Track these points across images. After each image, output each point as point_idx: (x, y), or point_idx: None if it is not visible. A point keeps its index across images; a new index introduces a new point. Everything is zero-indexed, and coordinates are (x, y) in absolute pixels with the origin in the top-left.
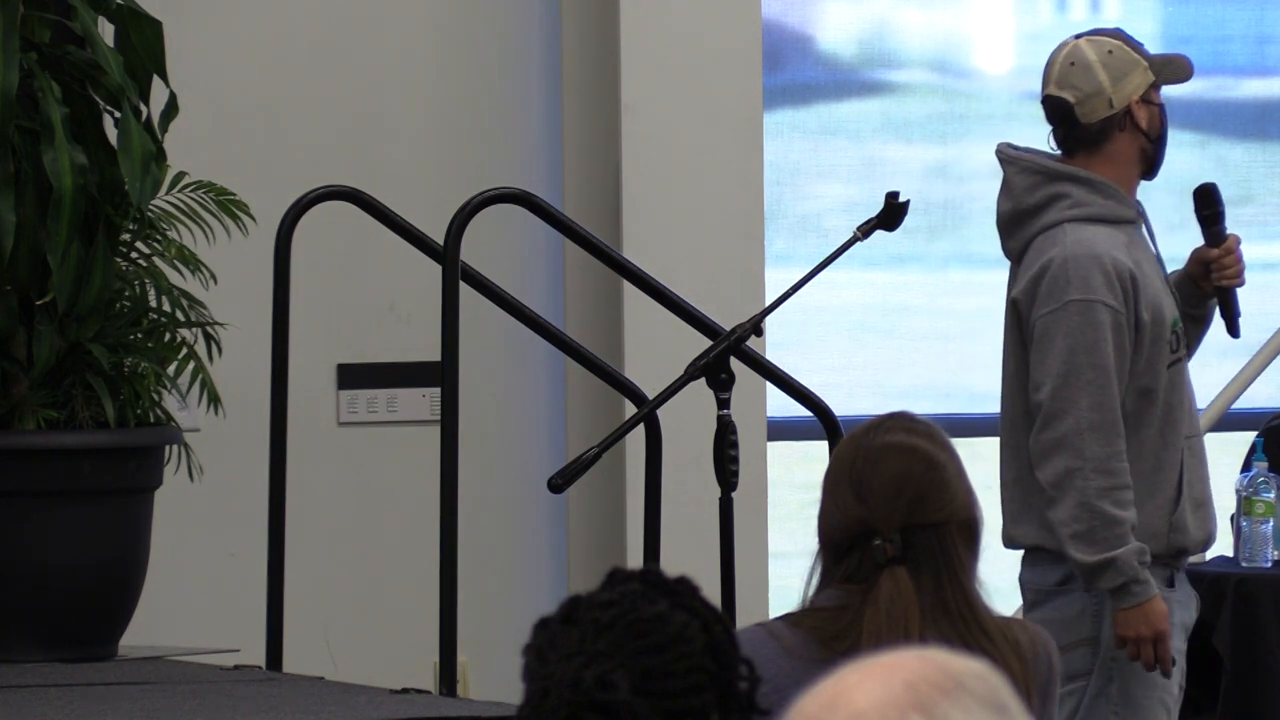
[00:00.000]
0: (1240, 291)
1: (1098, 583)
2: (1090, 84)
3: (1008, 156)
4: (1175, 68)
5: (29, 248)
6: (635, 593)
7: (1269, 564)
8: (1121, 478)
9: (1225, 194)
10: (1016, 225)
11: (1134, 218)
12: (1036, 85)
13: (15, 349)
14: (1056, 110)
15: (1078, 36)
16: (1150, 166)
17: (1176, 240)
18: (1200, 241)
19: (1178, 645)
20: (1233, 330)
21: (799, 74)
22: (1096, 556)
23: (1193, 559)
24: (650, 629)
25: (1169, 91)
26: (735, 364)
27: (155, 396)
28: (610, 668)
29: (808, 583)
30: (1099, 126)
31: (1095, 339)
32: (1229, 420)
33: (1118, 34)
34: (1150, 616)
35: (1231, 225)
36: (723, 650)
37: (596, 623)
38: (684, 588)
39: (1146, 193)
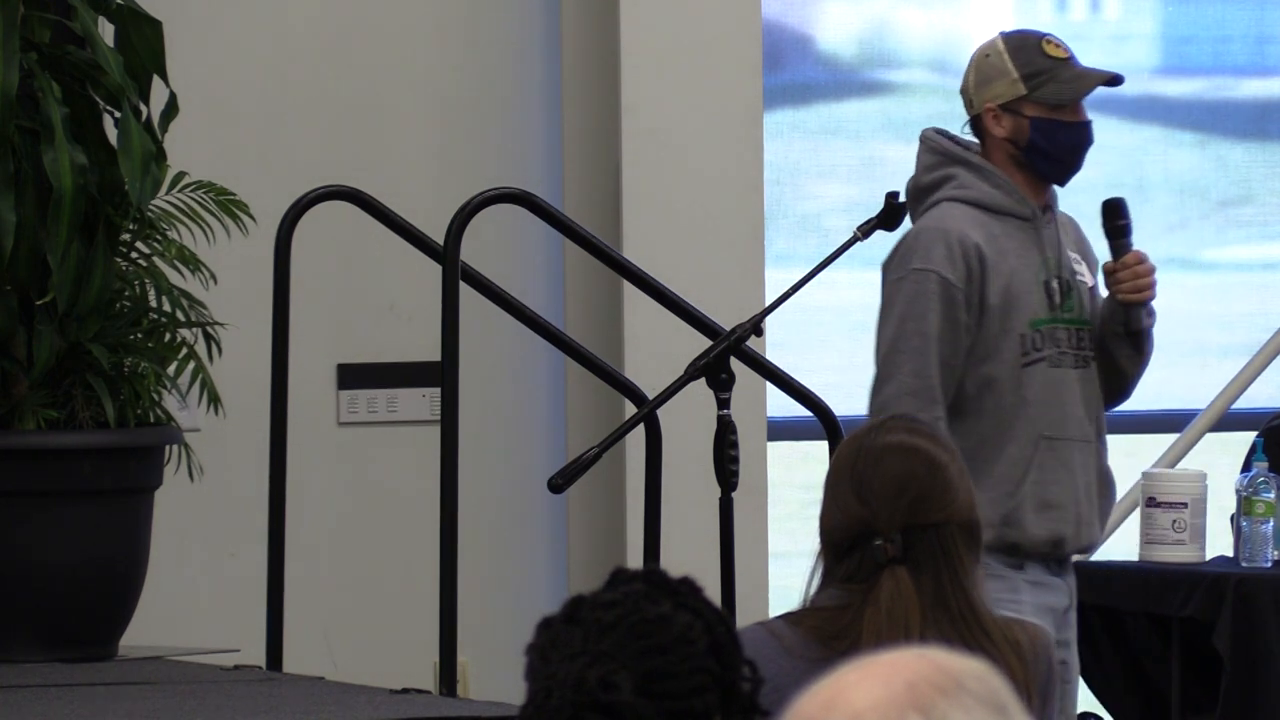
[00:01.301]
0: (1240, 291)
1: None
2: (965, 81)
3: (922, 136)
4: (1061, 89)
5: (29, 248)
6: (638, 593)
7: (1269, 564)
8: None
9: (1225, 194)
10: (915, 202)
11: (1021, 212)
12: None
13: (15, 349)
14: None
15: (1001, 32)
16: (1033, 172)
17: (1175, 240)
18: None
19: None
20: (1137, 346)
21: (799, 74)
22: None
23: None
24: (653, 630)
25: (1173, 91)
26: (735, 364)
27: (155, 396)
28: (613, 668)
29: (809, 582)
30: (973, 123)
31: (924, 308)
32: (1229, 420)
33: (1023, 39)
34: None
35: (1232, 225)
36: (725, 651)
37: (600, 623)
38: (687, 588)
39: (1146, 192)
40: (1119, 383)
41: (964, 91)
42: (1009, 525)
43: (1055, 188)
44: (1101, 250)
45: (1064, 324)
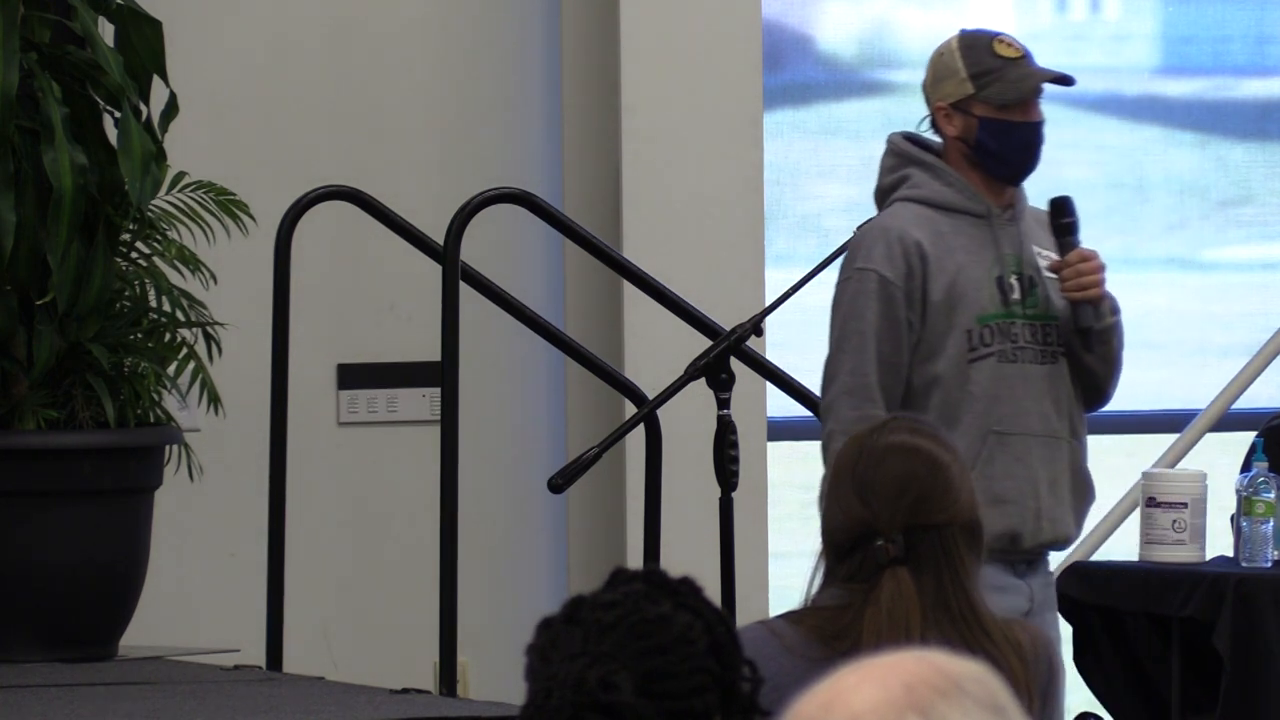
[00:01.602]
0: (1240, 291)
1: None
2: (924, 79)
3: (887, 140)
4: (1004, 89)
5: (29, 248)
6: (638, 593)
7: (1269, 564)
8: None
9: (1225, 194)
10: (879, 205)
11: (975, 210)
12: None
13: (15, 349)
14: None
15: (960, 31)
16: (985, 172)
17: (1175, 240)
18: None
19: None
20: (1085, 344)
21: (799, 74)
22: None
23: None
24: (653, 630)
25: (1173, 91)
26: (735, 364)
27: (155, 396)
28: (613, 669)
29: (810, 582)
30: (932, 120)
31: (862, 306)
32: (1229, 420)
33: (975, 39)
34: None
35: (1231, 225)
36: (726, 651)
37: (600, 623)
38: (687, 588)
39: (1146, 192)
40: (1088, 382)
41: (924, 89)
42: None
43: (1024, 186)
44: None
45: (1026, 319)
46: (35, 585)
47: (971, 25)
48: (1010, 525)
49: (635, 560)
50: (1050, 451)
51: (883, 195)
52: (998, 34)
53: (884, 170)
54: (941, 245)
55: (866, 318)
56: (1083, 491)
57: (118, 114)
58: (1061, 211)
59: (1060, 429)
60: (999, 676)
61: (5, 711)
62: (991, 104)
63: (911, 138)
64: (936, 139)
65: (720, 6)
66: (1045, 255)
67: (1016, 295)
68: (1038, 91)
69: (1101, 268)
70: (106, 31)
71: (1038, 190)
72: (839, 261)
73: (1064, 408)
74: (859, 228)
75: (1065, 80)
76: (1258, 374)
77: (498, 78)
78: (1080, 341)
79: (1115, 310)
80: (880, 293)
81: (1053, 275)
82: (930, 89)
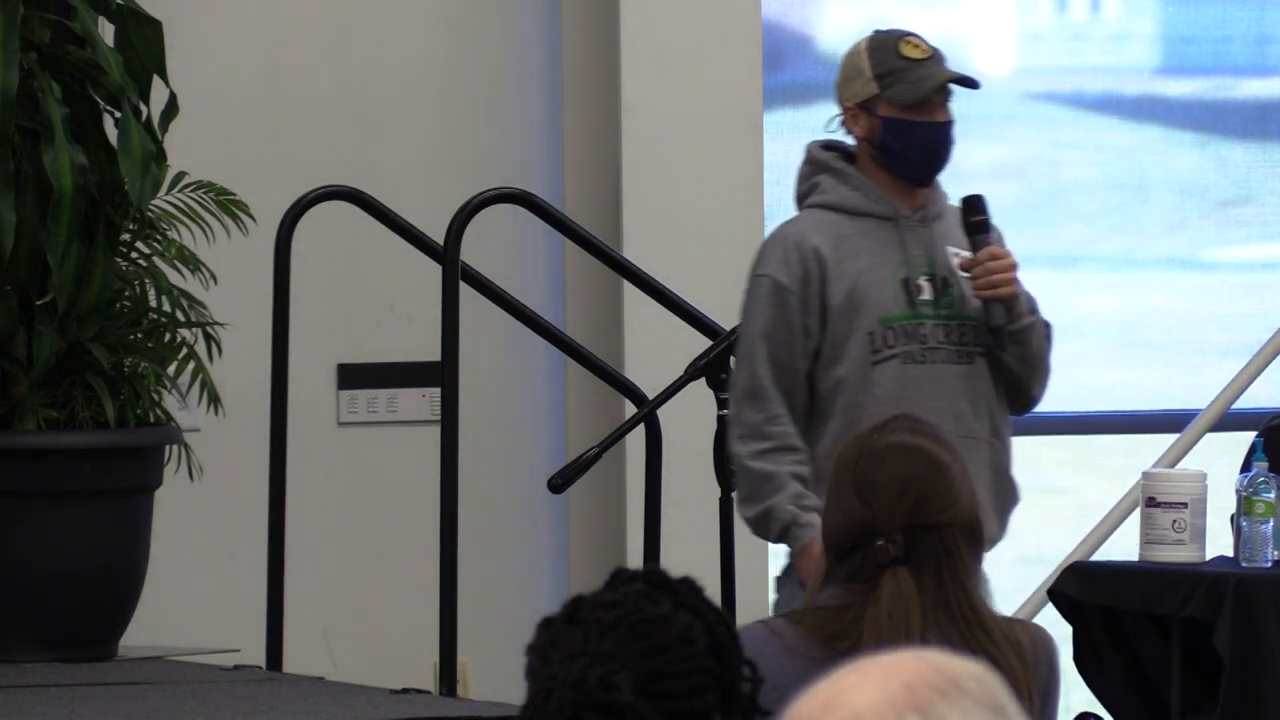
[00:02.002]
0: (1240, 291)
1: (765, 535)
2: (837, 79)
3: (805, 148)
4: (904, 89)
5: (29, 248)
6: (639, 593)
7: (1269, 564)
8: (777, 439)
9: (1225, 194)
10: (798, 212)
11: (881, 212)
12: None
13: (15, 349)
14: None
15: (874, 31)
16: (891, 172)
17: (1175, 240)
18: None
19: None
20: (997, 343)
21: (799, 74)
22: (754, 510)
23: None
24: (654, 630)
25: (1173, 91)
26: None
27: (155, 396)
28: (614, 669)
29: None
30: (840, 120)
31: (756, 312)
32: (1229, 420)
33: (883, 40)
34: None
35: (1232, 225)
36: (726, 651)
37: (600, 623)
38: (687, 588)
39: (1146, 192)
40: (1011, 382)
41: (835, 89)
42: None
43: (942, 186)
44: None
45: (938, 320)
46: (35, 585)
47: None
48: None
49: (635, 560)
50: (967, 452)
51: (798, 203)
52: (907, 34)
53: (799, 179)
54: (843, 249)
55: (758, 321)
56: (1005, 492)
57: (118, 114)
58: (972, 210)
59: (978, 429)
60: (999, 676)
61: (5, 711)
62: (894, 104)
63: (831, 145)
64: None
65: (720, 6)
66: (959, 255)
67: (927, 296)
68: (941, 91)
69: (1013, 266)
70: (106, 31)
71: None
72: None
73: (982, 408)
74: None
75: (969, 82)
76: (1258, 374)
77: (498, 78)
78: (994, 340)
79: (1033, 310)
80: (773, 297)
81: (966, 274)
82: (839, 89)
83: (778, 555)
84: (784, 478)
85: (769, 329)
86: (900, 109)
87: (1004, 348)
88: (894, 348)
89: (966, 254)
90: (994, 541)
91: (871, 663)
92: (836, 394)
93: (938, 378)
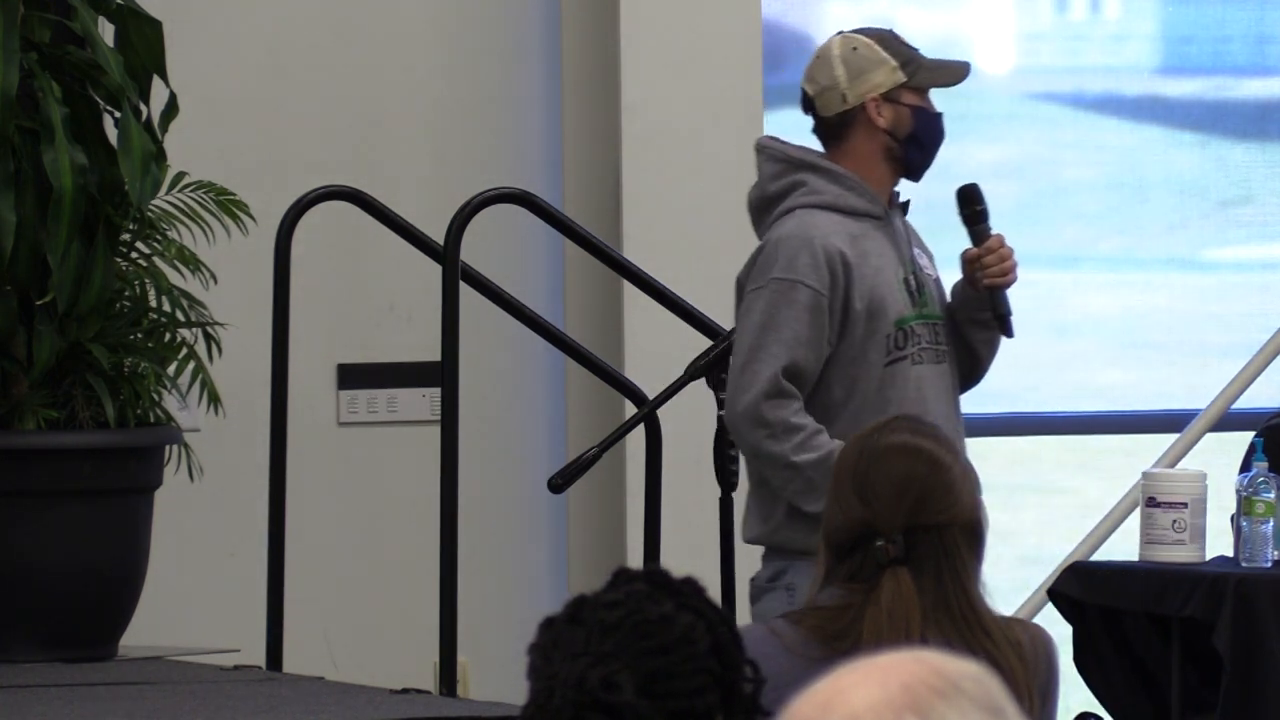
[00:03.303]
0: (1240, 291)
1: None
2: (826, 78)
3: (760, 146)
4: (936, 73)
5: (29, 248)
6: (641, 593)
7: (1269, 564)
8: (808, 427)
9: (1225, 194)
10: (763, 212)
11: (874, 211)
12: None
13: (15, 349)
14: (802, 102)
15: (840, 32)
16: (903, 166)
17: (1175, 240)
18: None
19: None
20: (1004, 330)
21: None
22: (821, 500)
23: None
24: (656, 630)
25: (1173, 91)
26: None
27: (155, 396)
28: (615, 669)
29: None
30: (836, 120)
31: (787, 316)
32: (1229, 420)
33: (880, 33)
34: None
35: (1231, 225)
36: (727, 652)
37: (602, 623)
38: (690, 588)
39: (1146, 192)
40: (975, 369)
41: (825, 90)
42: None
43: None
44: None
45: (923, 320)
46: (35, 585)
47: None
48: None
49: (635, 560)
50: None
51: (769, 203)
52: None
53: (768, 177)
54: (858, 251)
55: (792, 326)
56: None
57: (118, 114)
58: (974, 199)
59: (956, 428)
60: (998, 677)
61: (5, 711)
62: (920, 92)
63: (782, 143)
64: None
65: (720, 6)
66: (920, 254)
67: (917, 295)
68: (965, 78)
69: (1013, 251)
70: (106, 31)
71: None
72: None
73: (954, 406)
74: (768, 235)
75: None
76: (1258, 374)
77: (498, 78)
78: (1001, 327)
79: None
80: (811, 305)
81: (930, 273)
82: (849, 85)
83: None
84: (832, 455)
85: (804, 336)
86: (922, 97)
87: (1009, 333)
88: (903, 350)
89: (923, 253)
90: None
91: (869, 663)
92: (851, 396)
93: (932, 377)
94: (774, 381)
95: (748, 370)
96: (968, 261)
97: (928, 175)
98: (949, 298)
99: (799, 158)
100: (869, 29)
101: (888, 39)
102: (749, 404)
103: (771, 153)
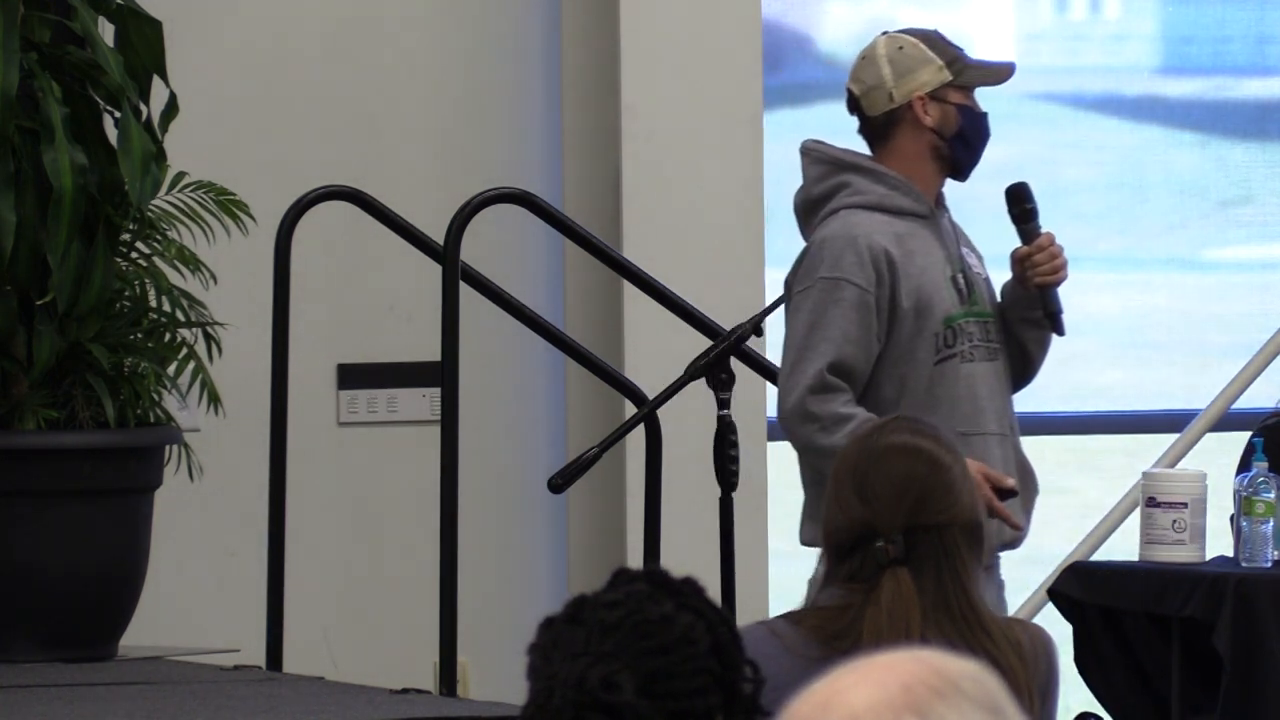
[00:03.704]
0: (1240, 291)
1: None
2: (872, 78)
3: (804, 148)
4: (982, 72)
5: (29, 248)
6: (641, 593)
7: (1269, 564)
8: (858, 414)
9: (1225, 194)
10: (808, 215)
11: (920, 211)
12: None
13: (15, 349)
14: (848, 102)
15: (884, 33)
16: (950, 165)
17: (1175, 240)
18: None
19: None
20: (1056, 328)
21: (799, 74)
22: None
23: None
24: (656, 630)
25: (1173, 91)
26: (735, 364)
27: (155, 396)
28: (616, 669)
29: (813, 582)
30: (882, 120)
31: (835, 314)
32: (1229, 420)
33: (925, 33)
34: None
35: (1231, 225)
36: (728, 652)
37: (602, 623)
38: (690, 589)
39: (1146, 192)
40: (1027, 368)
41: (872, 89)
42: None
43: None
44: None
45: (973, 318)
46: (35, 585)
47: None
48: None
49: (635, 560)
50: (1005, 450)
51: (815, 205)
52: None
53: (813, 179)
54: (903, 250)
55: (839, 324)
56: (1029, 484)
57: (118, 114)
58: (1023, 198)
59: (1009, 425)
60: (997, 677)
61: (5, 711)
62: (966, 90)
63: (827, 145)
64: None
65: (720, 6)
66: (969, 253)
67: (966, 293)
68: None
69: (1063, 249)
70: (106, 31)
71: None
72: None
73: (1007, 404)
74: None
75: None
76: (1258, 374)
77: (498, 78)
78: (1053, 326)
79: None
80: (857, 302)
81: (979, 272)
82: (896, 84)
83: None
84: None
85: (851, 333)
86: (968, 96)
87: (1060, 331)
88: (952, 348)
89: (971, 252)
90: (1020, 542)
91: (869, 663)
92: (901, 395)
93: (985, 375)
94: (819, 377)
95: (795, 370)
96: (1017, 260)
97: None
98: (999, 297)
99: (843, 159)
100: (914, 29)
101: (933, 38)
102: (795, 402)
103: (816, 155)
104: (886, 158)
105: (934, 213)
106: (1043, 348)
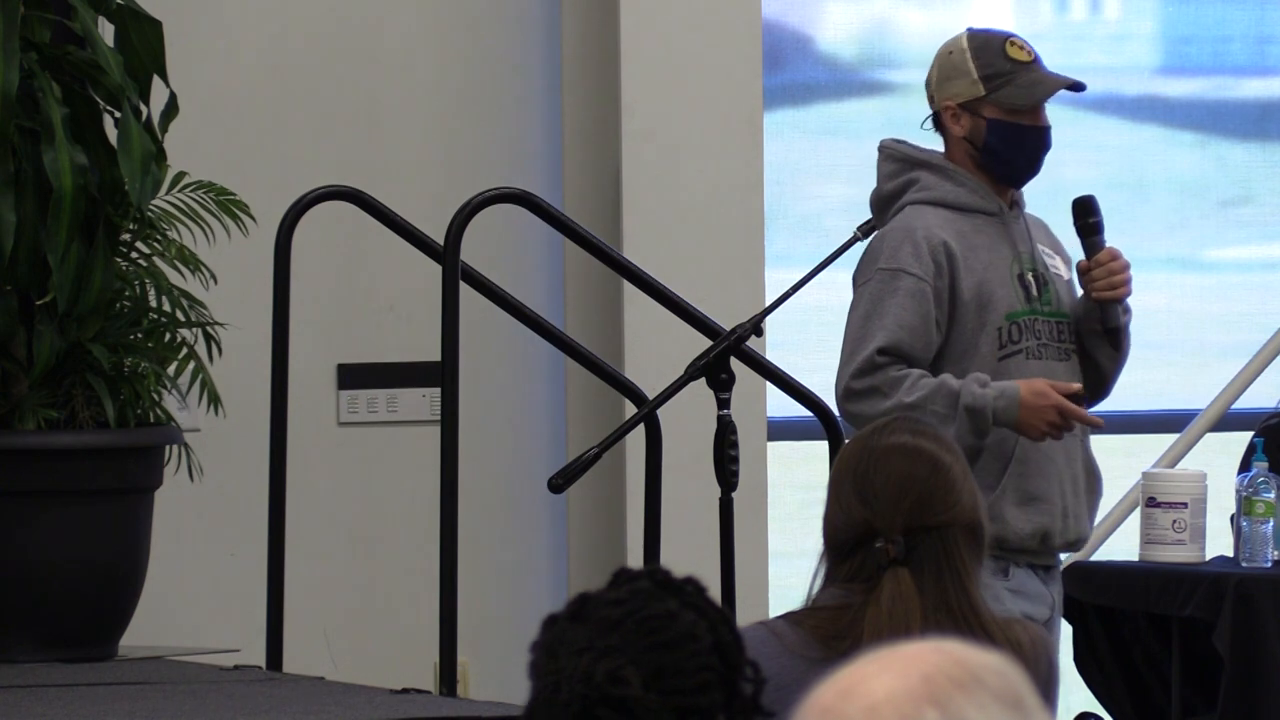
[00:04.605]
0: (1240, 291)
1: (987, 429)
2: (929, 77)
3: (880, 146)
4: (1015, 94)
5: (29, 248)
6: (644, 591)
7: (1269, 564)
8: (911, 373)
9: (1225, 194)
10: (881, 212)
11: (988, 208)
12: None
13: (15, 349)
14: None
15: (968, 29)
16: (990, 174)
17: (1175, 240)
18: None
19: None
20: (1113, 343)
21: (799, 74)
22: (954, 425)
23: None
24: (660, 626)
25: (1173, 91)
26: (735, 364)
27: (155, 396)
28: (621, 663)
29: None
30: (935, 118)
31: (890, 304)
32: (1229, 420)
33: (985, 39)
34: (1036, 404)
35: (1232, 225)
36: (729, 651)
37: (606, 620)
38: (692, 587)
39: (1146, 192)
40: (1098, 381)
41: (928, 86)
42: (991, 520)
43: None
44: (1076, 250)
45: (1044, 316)
46: (35, 585)
47: (976, 25)
48: (1042, 524)
49: (635, 560)
50: (1071, 448)
51: (886, 202)
52: (1009, 35)
53: (884, 176)
54: (965, 244)
55: (895, 315)
56: (1094, 487)
57: (118, 114)
58: (1088, 211)
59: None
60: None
61: (5, 711)
62: (1002, 107)
63: (906, 144)
64: (924, 144)
65: (720, 6)
66: (1049, 254)
67: (1035, 291)
68: (1049, 97)
69: (1128, 265)
70: (106, 31)
71: (1038, 189)
72: (845, 264)
73: (1081, 405)
74: (860, 228)
75: (1077, 86)
76: (1258, 374)
77: (498, 78)
78: (1110, 341)
79: (1127, 309)
80: (914, 290)
81: (1059, 274)
82: (937, 87)
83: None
84: (947, 385)
85: (906, 320)
86: (1007, 112)
87: (1118, 347)
88: (1018, 344)
89: (1051, 254)
90: (1084, 541)
91: (892, 653)
92: None
93: (1053, 373)
94: (867, 361)
95: (851, 359)
96: (1081, 273)
97: None
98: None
99: (914, 156)
100: (986, 31)
101: (987, 47)
102: (842, 389)
103: (889, 152)
104: (948, 155)
105: (1003, 210)
106: (1114, 363)
